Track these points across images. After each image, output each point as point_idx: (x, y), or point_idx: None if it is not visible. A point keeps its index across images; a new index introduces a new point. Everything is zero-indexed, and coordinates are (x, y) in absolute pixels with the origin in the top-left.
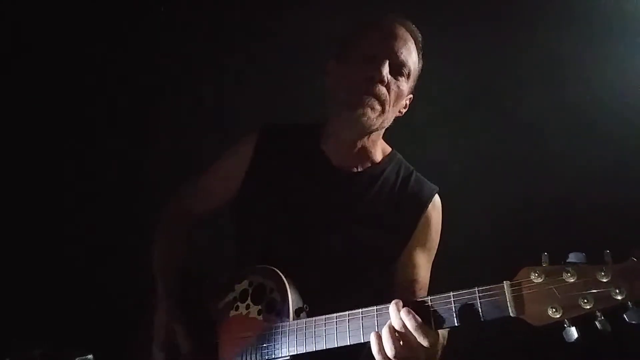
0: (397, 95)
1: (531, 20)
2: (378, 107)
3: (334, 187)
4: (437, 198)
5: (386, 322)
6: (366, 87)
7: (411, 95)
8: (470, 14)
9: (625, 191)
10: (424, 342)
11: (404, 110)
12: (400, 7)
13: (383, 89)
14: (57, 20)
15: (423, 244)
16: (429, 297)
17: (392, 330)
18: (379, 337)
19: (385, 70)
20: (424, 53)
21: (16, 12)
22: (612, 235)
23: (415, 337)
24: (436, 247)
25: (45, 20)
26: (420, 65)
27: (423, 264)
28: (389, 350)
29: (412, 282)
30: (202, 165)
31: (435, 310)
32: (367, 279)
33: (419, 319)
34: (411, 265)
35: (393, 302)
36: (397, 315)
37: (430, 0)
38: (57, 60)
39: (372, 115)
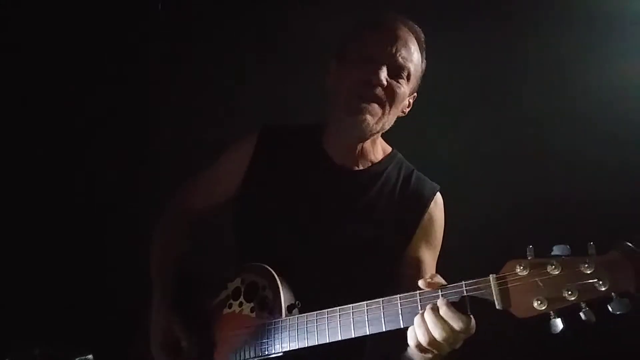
0: (398, 97)
1: (532, 18)
2: (378, 111)
3: (335, 185)
4: (438, 196)
5: (377, 317)
6: (364, 91)
7: (415, 94)
8: (471, 12)
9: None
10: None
11: (407, 110)
12: (400, 6)
13: (382, 92)
14: (57, 17)
15: (427, 240)
16: (417, 292)
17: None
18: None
19: (383, 73)
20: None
21: (16, 9)
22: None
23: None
24: (440, 244)
25: (44, 17)
26: (425, 64)
27: (428, 261)
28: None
29: (418, 278)
30: (203, 164)
31: (423, 305)
32: (368, 277)
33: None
34: (416, 262)
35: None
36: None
37: None
38: (57, 59)
39: (371, 120)
